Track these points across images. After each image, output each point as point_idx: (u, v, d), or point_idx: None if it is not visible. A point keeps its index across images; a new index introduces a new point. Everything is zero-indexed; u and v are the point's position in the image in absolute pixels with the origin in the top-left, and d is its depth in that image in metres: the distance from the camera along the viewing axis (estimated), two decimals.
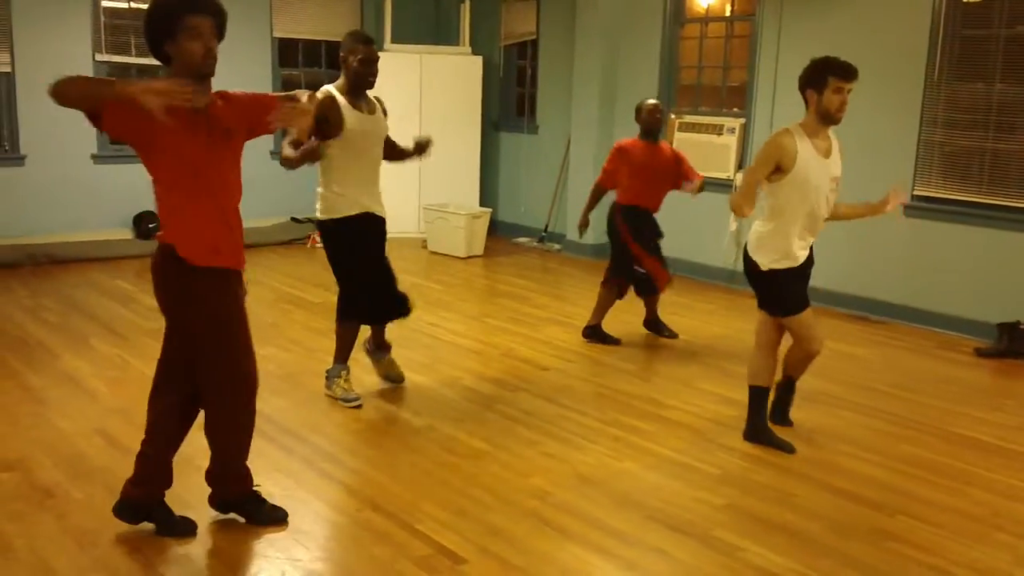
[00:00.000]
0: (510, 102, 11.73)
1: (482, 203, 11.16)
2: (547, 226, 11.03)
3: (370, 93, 5.38)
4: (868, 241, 7.96)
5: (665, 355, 6.76)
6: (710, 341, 7.04)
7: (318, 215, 5.41)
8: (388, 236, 5.55)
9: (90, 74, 9.37)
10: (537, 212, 11.20)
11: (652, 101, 6.91)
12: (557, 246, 10.75)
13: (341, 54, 5.26)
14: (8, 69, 9.09)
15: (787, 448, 5.00)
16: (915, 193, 7.70)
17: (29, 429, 5.02)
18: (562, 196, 10.79)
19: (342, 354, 5.57)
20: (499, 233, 11.41)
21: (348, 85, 5.25)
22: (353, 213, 5.32)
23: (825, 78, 4.69)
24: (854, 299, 8.11)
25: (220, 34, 3.55)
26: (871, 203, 5.23)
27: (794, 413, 5.47)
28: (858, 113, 7.86)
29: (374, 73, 5.28)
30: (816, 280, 8.17)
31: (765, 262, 4.90)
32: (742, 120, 8.83)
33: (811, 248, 5.01)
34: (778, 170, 4.77)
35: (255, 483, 4.05)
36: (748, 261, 4.98)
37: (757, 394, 5.11)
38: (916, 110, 7.60)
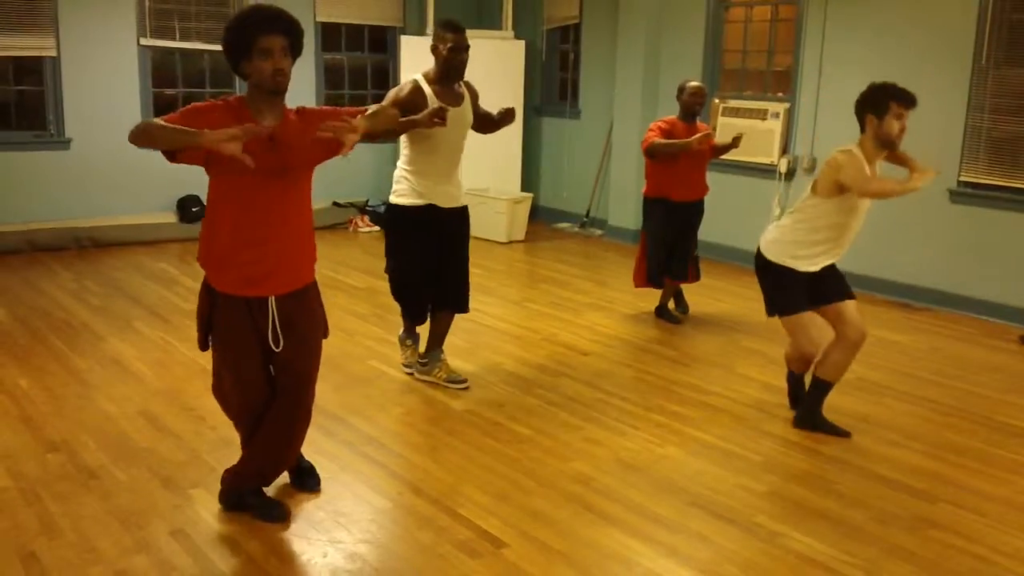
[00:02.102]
0: (552, 87, 11.68)
1: (523, 188, 11.13)
2: (589, 211, 11.00)
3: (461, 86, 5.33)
4: (912, 227, 7.87)
5: (706, 341, 6.72)
6: (752, 327, 6.99)
7: (390, 197, 5.42)
8: None
9: (135, 58, 9.49)
10: (579, 197, 11.17)
11: (696, 83, 6.86)
12: (599, 231, 10.71)
13: (431, 43, 5.22)
14: (54, 53, 9.17)
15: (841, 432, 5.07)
16: (961, 179, 7.59)
17: (74, 411, 5.08)
18: (604, 181, 10.75)
19: (407, 327, 5.70)
20: (540, 218, 11.39)
21: (437, 74, 5.21)
22: (418, 203, 5.31)
23: (886, 104, 4.67)
24: (897, 286, 8.02)
25: (295, 52, 3.57)
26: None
27: (838, 401, 5.45)
28: None
29: (463, 61, 5.22)
30: (858, 266, 8.14)
31: None
32: (787, 105, 8.74)
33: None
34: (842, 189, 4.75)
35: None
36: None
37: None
38: (963, 95, 7.48)
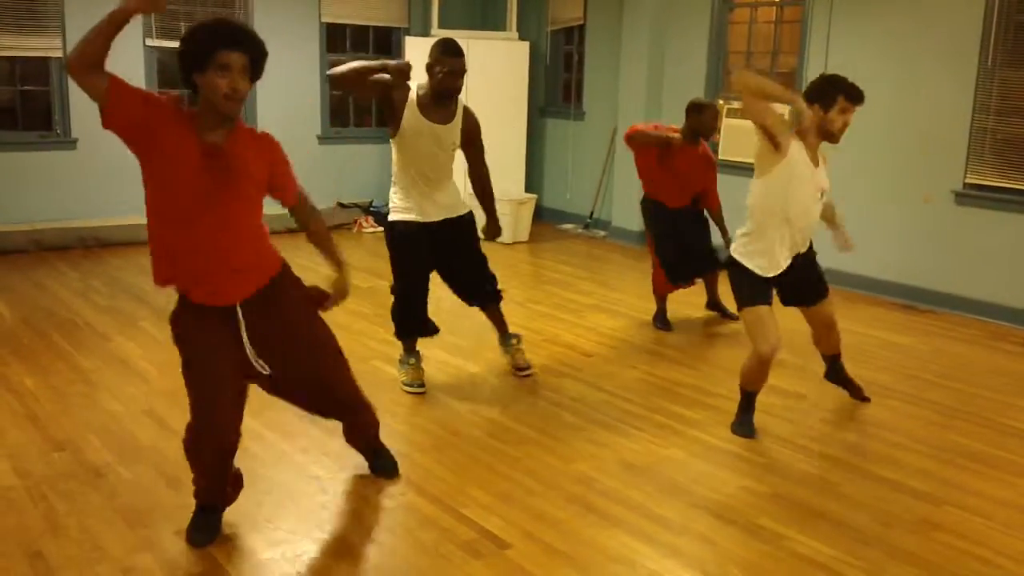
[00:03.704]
0: (557, 88, 11.69)
1: (528, 189, 11.15)
2: (593, 212, 11.00)
3: (459, 107, 5.33)
4: (917, 229, 7.87)
5: (712, 343, 6.73)
6: None
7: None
8: None
9: (141, 59, 9.51)
10: (583, 198, 11.17)
11: (716, 105, 6.70)
12: (602, 232, 10.72)
13: (427, 62, 5.16)
14: (60, 54, 9.19)
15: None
16: (967, 181, 7.58)
17: (80, 409, 5.09)
18: (608, 182, 10.75)
19: (405, 347, 5.64)
20: (544, 219, 11.39)
21: (430, 92, 5.19)
22: (405, 218, 5.33)
23: (835, 97, 4.70)
24: (902, 287, 8.01)
25: (255, 73, 3.36)
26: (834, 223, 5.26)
27: (842, 402, 5.47)
28: (910, 100, 7.78)
29: (457, 87, 5.20)
30: (864, 268, 8.12)
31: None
32: (789, 106, 8.72)
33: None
34: (774, 144, 4.80)
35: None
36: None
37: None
38: (968, 97, 7.48)
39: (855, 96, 4.70)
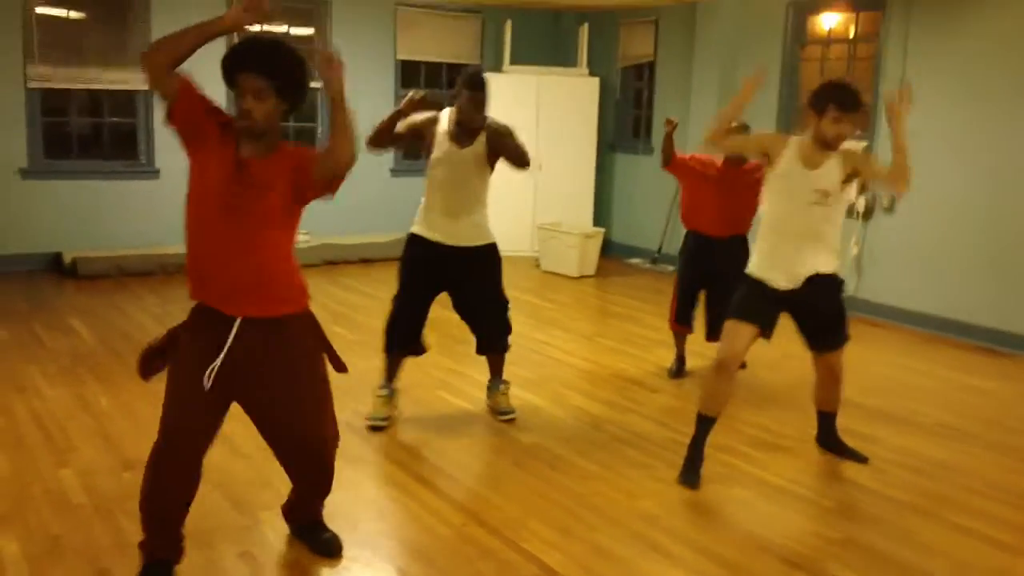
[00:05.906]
0: (626, 123, 11.70)
1: (596, 223, 11.15)
2: (660, 247, 10.95)
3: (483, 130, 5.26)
4: (1000, 270, 7.69)
5: (779, 381, 6.62)
6: None
7: None
8: (503, 255, 5.49)
9: (223, 91, 9.66)
10: (650, 233, 11.13)
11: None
12: (670, 267, 10.65)
13: (452, 91, 5.24)
14: (146, 87, 9.42)
15: None
16: None
17: (151, 430, 5.10)
18: (675, 217, 10.68)
19: (386, 371, 5.51)
20: (612, 253, 11.37)
21: (455, 117, 5.22)
22: (423, 234, 5.35)
23: (825, 104, 4.54)
24: (982, 330, 7.82)
25: (284, 95, 3.33)
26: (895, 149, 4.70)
27: (920, 446, 5.35)
28: (987, 134, 7.64)
29: (473, 119, 5.17)
30: (945, 310, 7.93)
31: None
32: (865, 142, 8.64)
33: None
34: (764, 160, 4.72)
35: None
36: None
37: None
38: None
39: (844, 104, 4.51)
